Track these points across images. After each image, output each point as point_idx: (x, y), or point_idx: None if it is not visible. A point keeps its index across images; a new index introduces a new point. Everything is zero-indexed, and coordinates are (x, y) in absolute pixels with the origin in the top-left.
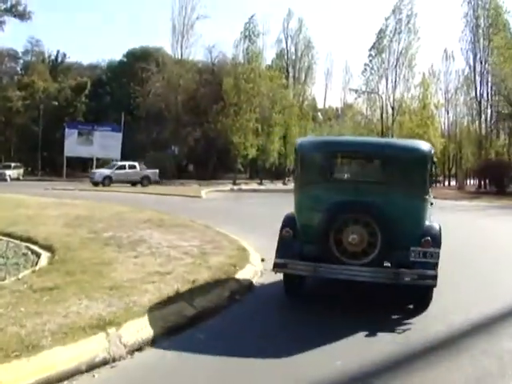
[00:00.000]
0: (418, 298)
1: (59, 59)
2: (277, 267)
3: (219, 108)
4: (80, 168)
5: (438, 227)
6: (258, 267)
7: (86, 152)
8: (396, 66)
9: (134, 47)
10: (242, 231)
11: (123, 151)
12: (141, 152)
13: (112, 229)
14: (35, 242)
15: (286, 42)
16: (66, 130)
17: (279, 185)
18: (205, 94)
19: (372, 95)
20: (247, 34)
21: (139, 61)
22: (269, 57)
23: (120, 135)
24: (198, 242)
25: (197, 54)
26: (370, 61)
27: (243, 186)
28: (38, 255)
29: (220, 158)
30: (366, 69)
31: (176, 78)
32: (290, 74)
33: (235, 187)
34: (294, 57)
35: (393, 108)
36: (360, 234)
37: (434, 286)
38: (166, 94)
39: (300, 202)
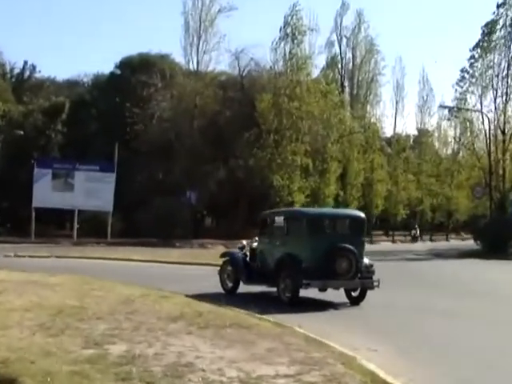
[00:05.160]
0: (361, 295)
1: (26, 73)
2: (305, 285)
3: (252, 137)
4: (55, 224)
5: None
6: None
7: (64, 201)
8: (508, 74)
9: (129, 55)
10: (335, 328)
11: (117, 198)
12: (141, 199)
13: (123, 335)
14: None
15: (340, 46)
16: (36, 169)
17: None
18: (231, 118)
19: (472, 114)
20: (289, 30)
21: (138, 73)
22: (317, 66)
23: (113, 177)
24: (288, 364)
25: (219, 62)
26: (472, 64)
27: None
28: None
29: (253, 207)
30: (463, 77)
31: (190, 96)
32: (346, 90)
33: None
34: (350, 65)
35: (503, 132)
36: (346, 263)
37: (376, 287)
38: (176, 118)
39: (311, 247)
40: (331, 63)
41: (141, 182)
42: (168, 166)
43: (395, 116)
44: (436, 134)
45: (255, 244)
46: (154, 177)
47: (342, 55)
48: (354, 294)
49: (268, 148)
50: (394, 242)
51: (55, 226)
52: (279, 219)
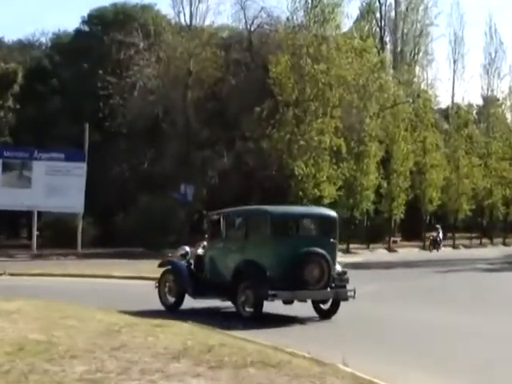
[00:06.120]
0: (334, 308)
1: None
2: (271, 296)
3: (265, 112)
4: (7, 231)
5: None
6: None
7: (19, 200)
8: None
9: (100, 6)
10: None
11: (89, 196)
12: (121, 197)
13: (108, 380)
14: None
15: None
16: None
17: (381, 251)
18: (237, 88)
19: None
20: None
21: (112, 30)
22: (348, 16)
23: (83, 167)
24: None
25: (219, 13)
26: None
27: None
28: None
29: (268, 204)
30: None
31: (182, 59)
32: (388, 46)
33: None
34: (393, 13)
35: None
36: (317, 270)
37: (351, 298)
38: (164, 88)
39: (276, 252)
40: (367, 12)
41: (120, 173)
42: (155, 152)
43: (453, 80)
44: (508, 103)
45: (201, 250)
46: (136, 167)
47: (382, 1)
48: (323, 306)
49: (287, 126)
50: (455, 247)
51: (7, 233)
52: (236, 220)
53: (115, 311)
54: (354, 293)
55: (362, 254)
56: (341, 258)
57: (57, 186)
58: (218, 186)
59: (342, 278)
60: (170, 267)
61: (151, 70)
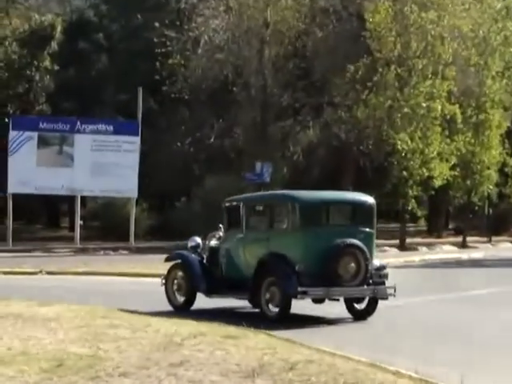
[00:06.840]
0: (371, 307)
1: None
2: (300, 294)
3: (361, 72)
4: (44, 219)
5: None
6: None
7: (58, 182)
8: None
9: None
10: None
11: (143, 178)
12: (183, 178)
13: None
14: None
15: None
16: (11, 133)
17: (507, 246)
18: (325, 43)
19: None
20: None
21: None
22: None
23: (136, 142)
24: None
25: None
26: None
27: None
28: None
29: (363, 185)
30: None
31: (257, 8)
32: None
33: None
34: None
35: None
36: (353, 264)
37: (391, 296)
38: (235, 44)
39: (306, 244)
40: None
41: (181, 149)
42: (224, 123)
43: None
44: None
45: (214, 242)
46: (201, 141)
47: None
48: (358, 305)
49: (387, 89)
50: None
51: (46, 223)
52: (258, 207)
53: (175, 318)
54: (395, 290)
55: (481, 249)
56: (457, 253)
57: (104, 164)
58: (302, 163)
59: (381, 274)
60: (179, 261)
61: (219, 21)
